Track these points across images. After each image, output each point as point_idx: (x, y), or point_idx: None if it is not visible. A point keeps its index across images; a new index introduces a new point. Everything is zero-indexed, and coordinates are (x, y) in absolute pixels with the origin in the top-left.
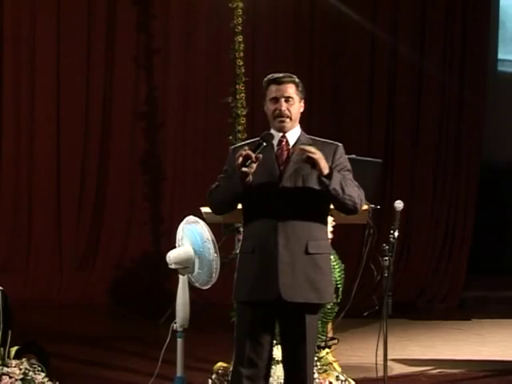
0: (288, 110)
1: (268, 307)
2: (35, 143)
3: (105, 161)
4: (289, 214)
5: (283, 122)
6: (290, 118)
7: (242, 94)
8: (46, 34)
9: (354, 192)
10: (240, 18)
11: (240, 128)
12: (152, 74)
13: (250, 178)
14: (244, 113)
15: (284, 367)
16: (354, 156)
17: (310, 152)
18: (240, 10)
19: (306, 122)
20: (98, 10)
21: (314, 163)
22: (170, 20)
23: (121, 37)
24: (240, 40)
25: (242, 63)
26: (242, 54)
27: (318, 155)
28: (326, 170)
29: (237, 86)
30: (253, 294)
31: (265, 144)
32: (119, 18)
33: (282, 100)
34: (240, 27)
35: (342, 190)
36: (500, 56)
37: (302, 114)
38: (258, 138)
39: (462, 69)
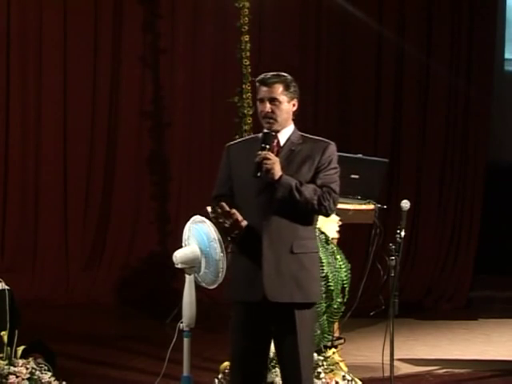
0: (273, 111)
1: (260, 308)
2: (42, 143)
3: (111, 161)
4: (274, 213)
5: (268, 123)
6: (276, 120)
7: (249, 94)
8: (52, 34)
9: (313, 196)
10: (246, 18)
11: (246, 128)
12: (158, 74)
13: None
14: (250, 112)
15: (280, 369)
16: (360, 155)
17: (265, 158)
18: (246, 10)
19: (312, 120)
20: (105, 10)
21: (267, 169)
22: (177, 20)
23: (127, 36)
24: (246, 40)
25: (248, 63)
26: (248, 54)
27: (272, 161)
28: (275, 176)
29: (243, 86)
30: (239, 294)
31: (268, 146)
32: (126, 17)
33: (267, 101)
34: (246, 27)
35: (292, 195)
36: (507, 55)
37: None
38: (254, 135)
39: (468, 68)
